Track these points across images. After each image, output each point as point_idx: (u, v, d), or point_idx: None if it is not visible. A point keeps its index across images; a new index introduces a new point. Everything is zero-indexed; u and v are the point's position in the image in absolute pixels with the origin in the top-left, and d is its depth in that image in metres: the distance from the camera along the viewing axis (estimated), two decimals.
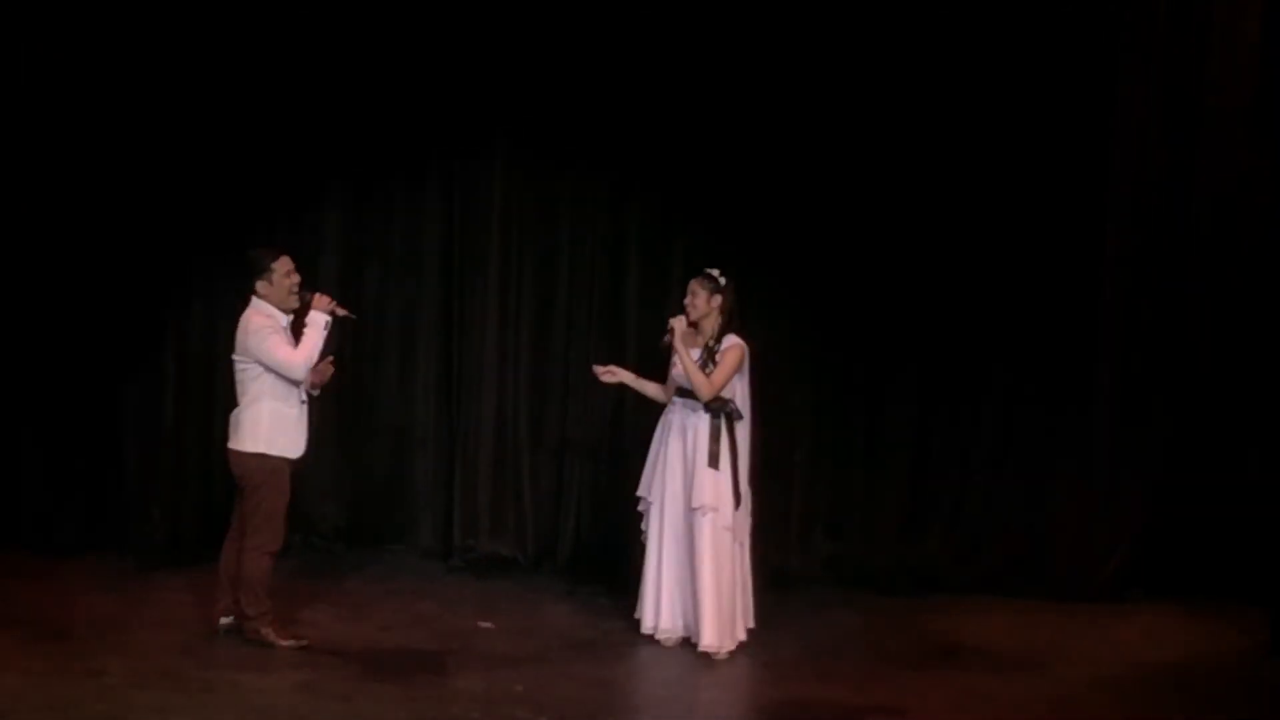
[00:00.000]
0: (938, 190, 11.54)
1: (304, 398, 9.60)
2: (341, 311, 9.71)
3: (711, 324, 10.05)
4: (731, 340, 10.03)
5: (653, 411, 10.33)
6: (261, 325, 9.44)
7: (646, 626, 10.14)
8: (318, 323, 9.52)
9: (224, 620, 9.80)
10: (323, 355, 9.62)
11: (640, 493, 10.23)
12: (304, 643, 9.62)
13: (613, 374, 10.33)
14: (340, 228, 12.04)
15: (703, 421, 9.97)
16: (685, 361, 9.95)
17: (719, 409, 9.94)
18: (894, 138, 11.50)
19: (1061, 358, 11.58)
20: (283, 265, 9.55)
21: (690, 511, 9.92)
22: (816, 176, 11.57)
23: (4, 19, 11.47)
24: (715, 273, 10.08)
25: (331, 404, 10.15)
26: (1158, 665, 10.09)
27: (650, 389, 10.33)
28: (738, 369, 10.01)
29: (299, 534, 11.16)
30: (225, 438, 9.77)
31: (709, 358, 9.96)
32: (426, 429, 12.15)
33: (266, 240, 11.37)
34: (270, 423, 9.51)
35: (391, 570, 11.74)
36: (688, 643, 10.02)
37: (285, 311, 9.56)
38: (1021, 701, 9.28)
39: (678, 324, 9.97)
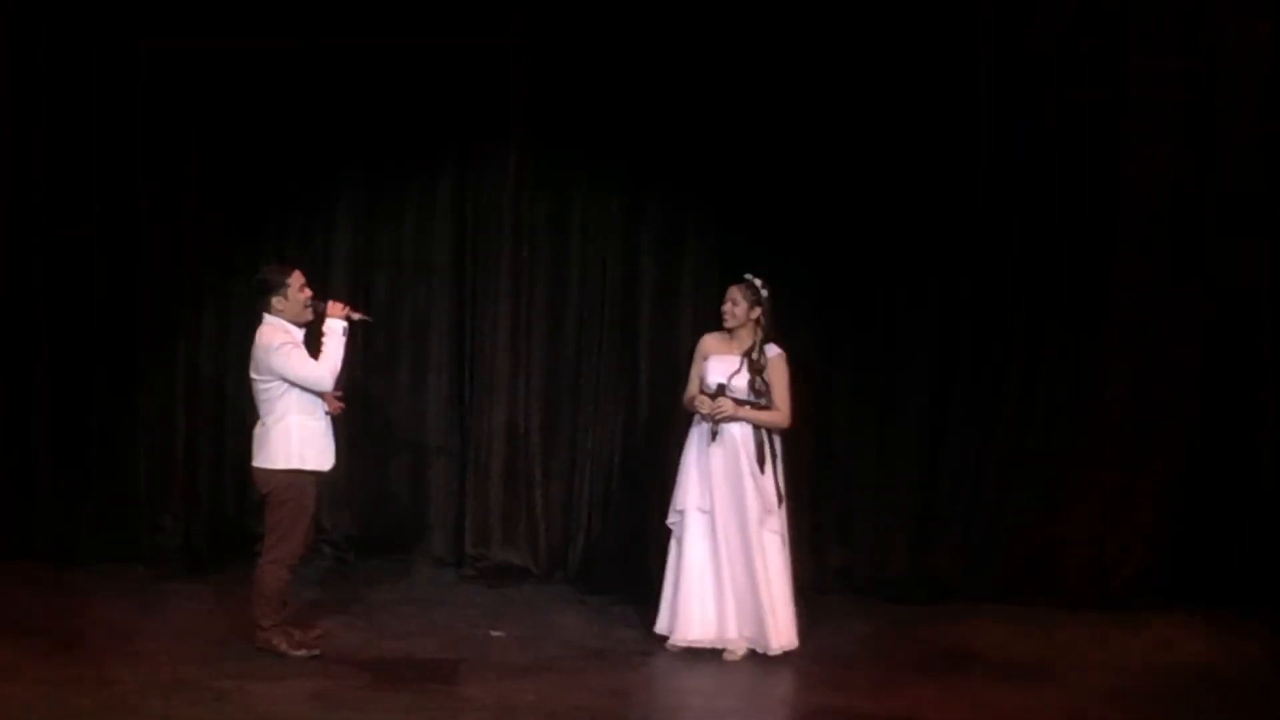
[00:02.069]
0: (945, 200, 11.51)
1: (327, 410, 9.61)
2: (357, 315, 9.73)
3: (749, 333, 10.06)
4: (775, 351, 10.07)
5: (667, 420, 10.31)
6: (282, 342, 9.44)
7: (682, 636, 10.09)
8: (335, 330, 9.54)
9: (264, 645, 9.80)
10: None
11: (678, 506, 10.13)
12: (315, 652, 9.61)
13: (718, 406, 10.04)
14: (351, 237, 12.05)
15: (745, 429, 9.98)
16: (753, 415, 9.98)
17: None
18: (902, 144, 11.47)
19: (1072, 366, 11.56)
20: (296, 280, 9.57)
21: (749, 520, 9.92)
22: (830, 183, 11.54)
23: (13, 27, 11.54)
24: (758, 282, 10.07)
25: (343, 413, 10.15)
26: (1172, 674, 10.05)
27: (764, 416, 10.10)
28: (791, 377, 10.04)
29: (311, 542, 11.12)
30: (237, 448, 9.77)
31: (754, 370, 9.98)
32: (439, 437, 12.15)
33: (278, 252, 11.45)
34: (299, 437, 9.51)
35: (404, 579, 11.76)
36: (754, 653, 10.01)
37: (299, 325, 9.57)
38: (1035, 710, 9.27)
39: (725, 404, 9.95)
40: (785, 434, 10.19)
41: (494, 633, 10.45)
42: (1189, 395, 11.55)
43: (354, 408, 11.19)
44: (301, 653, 9.57)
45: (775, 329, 10.14)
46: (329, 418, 9.63)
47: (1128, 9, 11.39)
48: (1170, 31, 11.37)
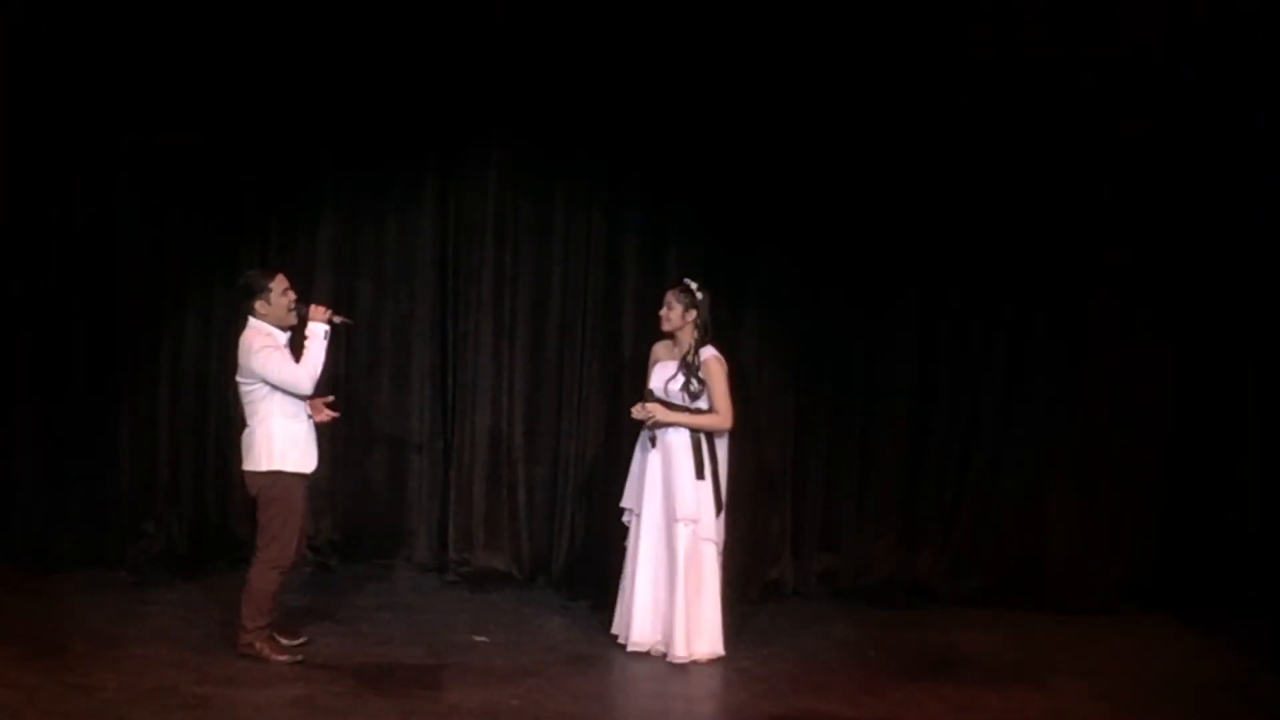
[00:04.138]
0: (930, 203, 11.54)
1: (310, 412, 9.62)
2: (339, 319, 9.74)
3: (688, 336, 10.10)
4: (709, 353, 10.09)
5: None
6: (263, 345, 9.48)
7: (624, 638, 10.20)
8: (317, 334, 9.57)
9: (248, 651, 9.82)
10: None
11: (625, 504, 10.29)
12: (298, 658, 9.61)
13: (647, 411, 10.11)
14: (334, 242, 12.03)
15: (681, 434, 10.01)
16: (690, 420, 10.01)
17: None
18: (886, 146, 11.50)
19: (1055, 370, 11.58)
20: (279, 284, 9.60)
21: (672, 523, 9.95)
22: (811, 184, 11.56)
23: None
24: (693, 285, 10.12)
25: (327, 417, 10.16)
26: (1155, 678, 10.09)
27: (700, 420, 10.12)
28: (727, 379, 10.06)
29: None
30: (221, 453, 9.77)
31: (689, 372, 10.01)
32: (421, 442, 12.13)
33: (261, 257, 11.44)
34: (282, 440, 9.54)
35: (387, 584, 11.74)
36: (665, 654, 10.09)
37: (283, 329, 9.58)
38: (1017, 715, 9.29)
39: (655, 409, 10.02)
40: (767, 435, 10.20)
41: (477, 638, 10.45)
42: (1170, 402, 11.59)
43: (337, 412, 11.21)
44: (284, 658, 9.57)
45: (713, 331, 10.18)
46: (311, 420, 9.64)
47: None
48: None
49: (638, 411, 10.09)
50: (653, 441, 10.05)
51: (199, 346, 11.77)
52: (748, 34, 11.37)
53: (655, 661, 10.01)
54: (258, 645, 9.56)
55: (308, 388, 9.54)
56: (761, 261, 11.68)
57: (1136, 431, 11.59)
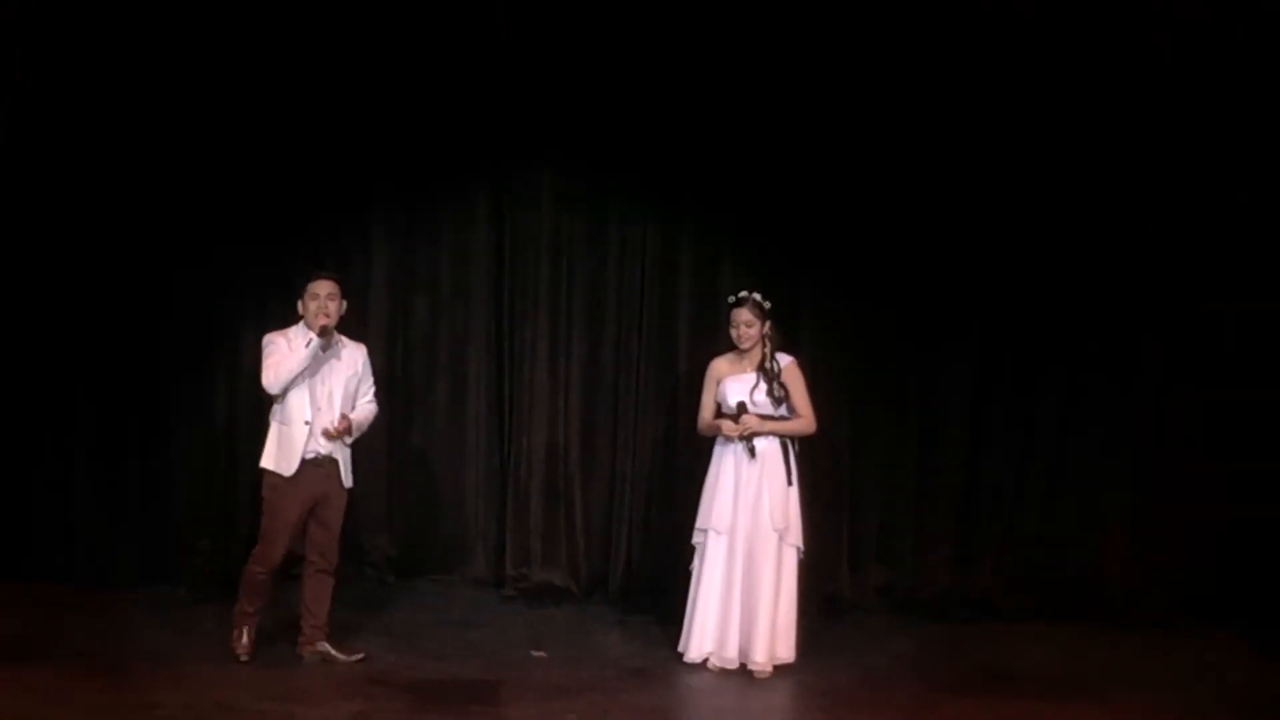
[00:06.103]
0: (987, 216, 11.52)
1: (308, 418, 9.75)
2: (314, 336, 9.77)
3: (758, 348, 10.09)
4: (788, 359, 10.15)
5: (706, 439, 10.30)
6: (270, 341, 9.83)
7: (708, 653, 10.13)
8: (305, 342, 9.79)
9: (307, 651, 9.99)
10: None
11: (702, 525, 10.18)
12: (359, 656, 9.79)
13: (745, 424, 10.07)
14: (389, 259, 12.07)
15: (773, 443, 10.01)
16: (781, 427, 10.04)
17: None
18: (943, 154, 11.51)
19: (1112, 385, 11.55)
20: (317, 289, 9.81)
21: (767, 533, 9.95)
22: (870, 195, 11.56)
23: (66, 49, 11.59)
24: (758, 297, 10.13)
25: (383, 435, 10.16)
26: (1213, 694, 10.01)
27: (790, 426, 10.17)
28: (807, 381, 10.12)
29: (351, 564, 11.15)
30: None
31: (770, 380, 10.03)
32: (478, 458, 12.15)
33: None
34: (270, 439, 9.87)
35: (444, 600, 11.76)
36: (744, 668, 10.04)
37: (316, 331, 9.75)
38: None
39: (750, 420, 9.99)
40: (823, 449, 10.17)
41: (535, 653, 10.45)
42: (1225, 415, 11.52)
43: (394, 429, 11.24)
44: (242, 653, 9.85)
45: (780, 335, 10.26)
46: (306, 426, 9.76)
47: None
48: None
49: (731, 428, 10.06)
50: (751, 452, 10.02)
51: (253, 364, 11.76)
52: (802, 34, 11.37)
53: (714, 675, 10.00)
54: (322, 647, 9.88)
55: (270, 388, 9.79)
56: (816, 274, 11.65)
57: (1194, 444, 11.52)
